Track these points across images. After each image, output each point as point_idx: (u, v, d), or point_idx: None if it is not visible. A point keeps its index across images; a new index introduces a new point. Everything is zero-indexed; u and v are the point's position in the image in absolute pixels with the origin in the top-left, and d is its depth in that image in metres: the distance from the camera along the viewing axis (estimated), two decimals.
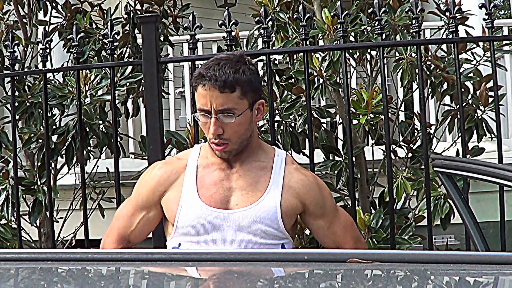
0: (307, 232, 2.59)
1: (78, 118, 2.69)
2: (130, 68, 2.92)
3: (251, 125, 1.95)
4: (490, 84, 2.70)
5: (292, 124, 2.76)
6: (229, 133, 1.90)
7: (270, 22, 2.64)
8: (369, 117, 2.54)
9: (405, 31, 2.75)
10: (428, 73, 2.70)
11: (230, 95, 1.86)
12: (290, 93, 2.71)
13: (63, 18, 3.32)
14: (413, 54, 2.60)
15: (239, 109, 1.88)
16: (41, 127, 2.88)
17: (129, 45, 3.26)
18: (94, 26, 3.24)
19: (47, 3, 3.31)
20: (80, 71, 2.73)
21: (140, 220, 2.03)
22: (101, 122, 2.98)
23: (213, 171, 1.97)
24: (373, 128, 2.74)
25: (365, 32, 2.70)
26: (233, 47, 2.59)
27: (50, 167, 2.90)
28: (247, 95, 1.90)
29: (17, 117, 2.86)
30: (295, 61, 2.84)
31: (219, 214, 1.92)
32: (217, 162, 1.98)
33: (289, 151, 2.79)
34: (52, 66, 3.16)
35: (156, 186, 2.00)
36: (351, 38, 2.75)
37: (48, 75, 2.91)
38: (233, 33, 2.58)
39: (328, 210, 2.02)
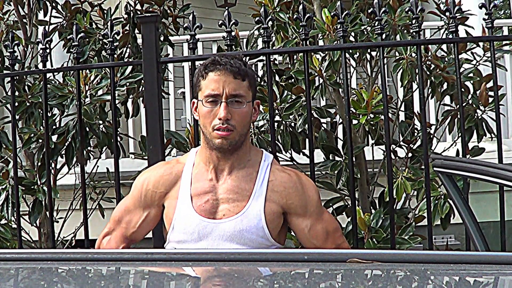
0: None
1: (78, 118, 2.69)
2: (130, 68, 2.92)
3: (250, 121, 2.00)
4: (490, 84, 2.69)
5: (292, 124, 2.76)
6: (236, 120, 1.93)
7: (270, 22, 2.64)
8: (369, 117, 2.54)
9: (405, 31, 2.75)
10: (428, 73, 2.70)
11: (242, 83, 1.94)
12: (290, 93, 2.71)
13: (63, 18, 3.32)
14: (413, 54, 2.59)
15: (247, 98, 1.95)
16: (41, 127, 2.88)
17: (129, 45, 3.26)
18: (94, 26, 3.24)
19: (47, 3, 3.31)
20: (80, 71, 2.73)
21: (143, 220, 2.03)
22: (101, 122, 2.98)
23: (204, 180, 1.99)
24: (373, 128, 2.74)
25: (365, 32, 2.70)
26: (233, 47, 2.59)
27: (50, 167, 2.90)
28: (252, 88, 1.98)
29: (17, 117, 2.86)
30: (295, 61, 2.84)
31: (208, 224, 1.94)
32: (207, 171, 2.00)
33: (289, 151, 2.79)
34: (52, 66, 3.16)
35: (158, 185, 2.02)
36: (351, 38, 2.75)
37: (48, 75, 2.91)
38: (233, 33, 2.58)
39: (310, 210, 2.00)
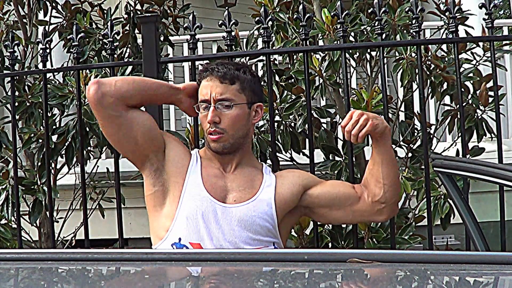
0: (307, 232, 2.59)
1: (78, 118, 2.69)
2: (130, 68, 2.92)
3: (247, 124, 2.03)
4: (490, 84, 2.70)
5: (292, 124, 2.76)
6: (225, 123, 1.98)
7: (270, 22, 2.64)
8: None
9: (405, 31, 2.75)
10: (428, 73, 2.70)
11: (229, 87, 1.99)
12: (290, 93, 2.71)
13: (63, 18, 3.33)
14: (413, 54, 2.60)
15: (236, 101, 1.99)
16: (41, 127, 2.88)
17: (129, 45, 3.26)
18: (94, 26, 3.24)
19: (47, 3, 3.32)
20: (80, 71, 2.73)
21: (140, 126, 1.98)
22: None
23: (213, 168, 2.05)
24: None
25: (365, 32, 2.70)
26: (233, 47, 2.59)
27: (50, 167, 2.90)
28: (245, 91, 2.01)
29: (17, 117, 2.86)
30: (295, 61, 2.84)
31: (218, 206, 1.97)
32: (212, 165, 2.05)
33: (289, 151, 2.79)
34: (52, 66, 3.16)
35: (177, 150, 2.03)
36: (351, 38, 2.75)
37: (48, 75, 2.91)
38: (233, 33, 2.58)
39: (319, 180, 2.12)
